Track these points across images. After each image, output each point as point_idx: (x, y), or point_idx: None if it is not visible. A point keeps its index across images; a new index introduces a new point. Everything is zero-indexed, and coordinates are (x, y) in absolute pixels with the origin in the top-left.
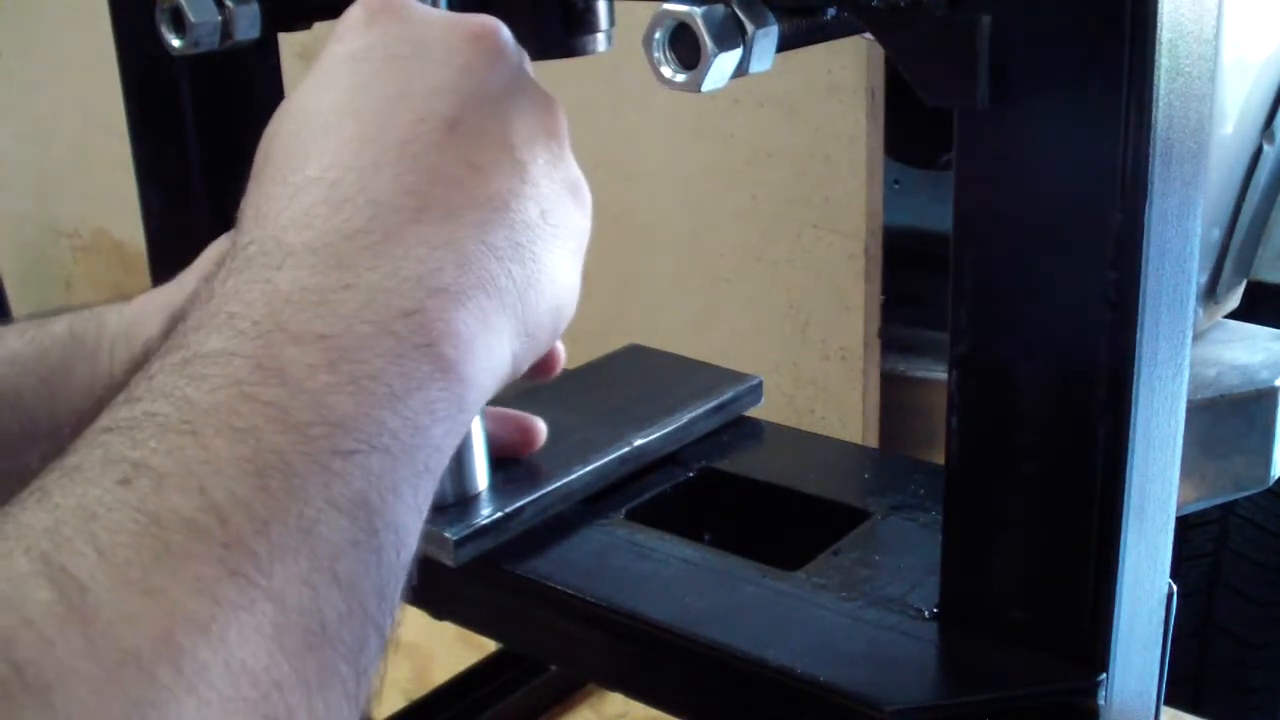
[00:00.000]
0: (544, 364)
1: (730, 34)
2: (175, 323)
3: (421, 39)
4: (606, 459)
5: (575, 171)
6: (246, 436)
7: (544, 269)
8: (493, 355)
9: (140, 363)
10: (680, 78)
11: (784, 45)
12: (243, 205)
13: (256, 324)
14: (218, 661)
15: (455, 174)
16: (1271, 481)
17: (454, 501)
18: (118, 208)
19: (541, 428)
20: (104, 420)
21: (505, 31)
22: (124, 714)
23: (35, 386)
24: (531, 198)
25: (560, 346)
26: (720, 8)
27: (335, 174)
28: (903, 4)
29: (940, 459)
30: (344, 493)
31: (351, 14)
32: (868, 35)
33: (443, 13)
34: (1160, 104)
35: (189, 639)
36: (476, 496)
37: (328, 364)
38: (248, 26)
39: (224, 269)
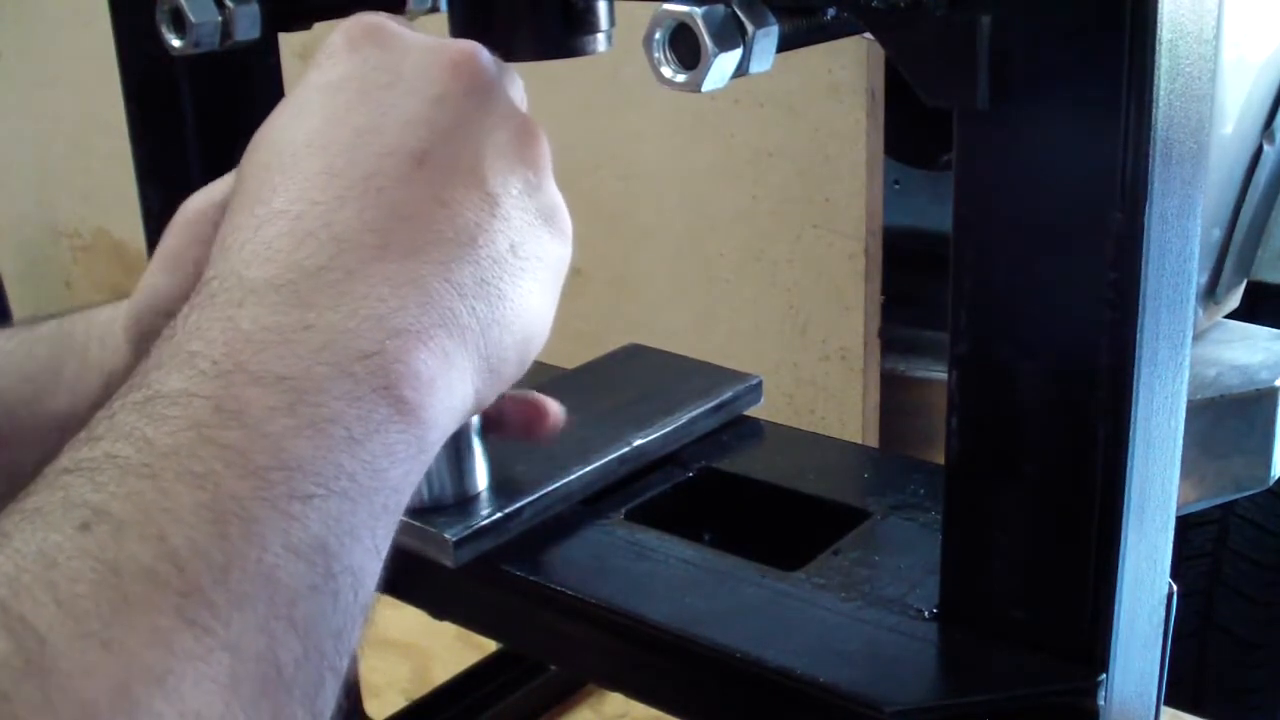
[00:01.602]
0: (532, 424)
1: (730, 34)
2: (140, 339)
3: (398, 68)
4: (606, 459)
5: (553, 199)
6: (205, 482)
7: (510, 304)
8: (454, 394)
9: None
10: (680, 78)
11: (784, 45)
12: (217, 236)
13: (216, 364)
14: (172, 713)
15: (421, 210)
16: (1271, 481)
17: (454, 502)
18: (118, 208)
19: (556, 408)
20: (64, 460)
21: (484, 58)
22: None
23: (17, 385)
24: (501, 231)
25: (555, 407)
26: (720, 8)
27: (300, 207)
28: (903, 4)
29: (940, 459)
30: (302, 537)
31: (333, 40)
32: (868, 35)
33: (424, 39)
34: (1160, 104)
35: (145, 691)
36: (476, 497)
37: (287, 406)
38: (248, 26)
39: (188, 304)
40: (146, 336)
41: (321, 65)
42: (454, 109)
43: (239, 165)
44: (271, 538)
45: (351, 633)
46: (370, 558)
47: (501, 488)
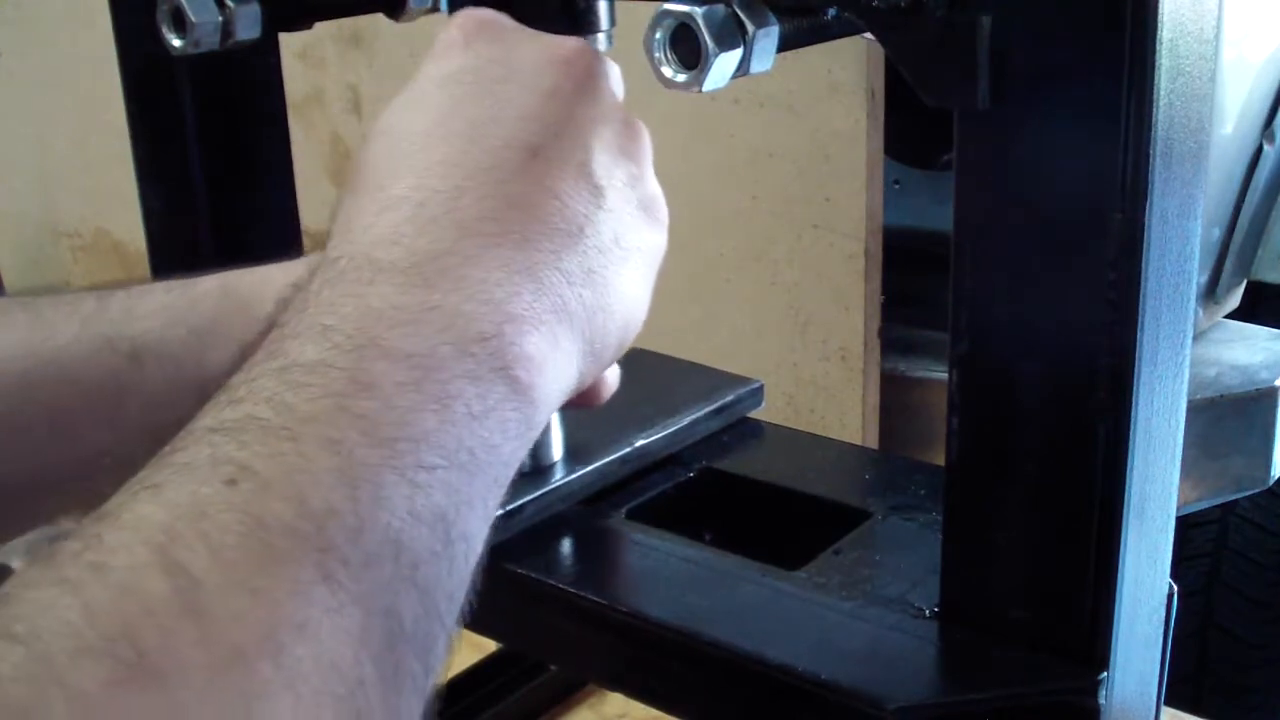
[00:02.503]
0: (592, 393)
1: (731, 34)
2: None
3: (513, 63)
4: (608, 459)
5: (652, 190)
6: (340, 448)
7: (613, 291)
8: (561, 375)
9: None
10: (681, 78)
11: (784, 45)
12: (332, 214)
13: (350, 338)
14: (311, 659)
15: (534, 200)
16: (1271, 481)
17: (530, 470)
18: (118, 208)
19: (615, 375)
20: (208, 420)
21: (596, 55)
22: (231, 706)
23: (184, 337)
24: (606, 222)
25: (611, 375)
26: (720, 8)
27: (422, 195)
28: (903, 4)
29: (940, 459)
30: (425, 505)
31: (449, 34)
32: (868, 35)
33: (536, 36)
34: (1160, 104)
35: (288, 637)
36: None
37: (414, 382)
38: (248, 26)
39: (317, 279)
40: None
41: (438, 58)
42: (564, 104)
43: (358, 154)
44: (399, 504)
45: (462, 593)
46: (482, 524)
47: None
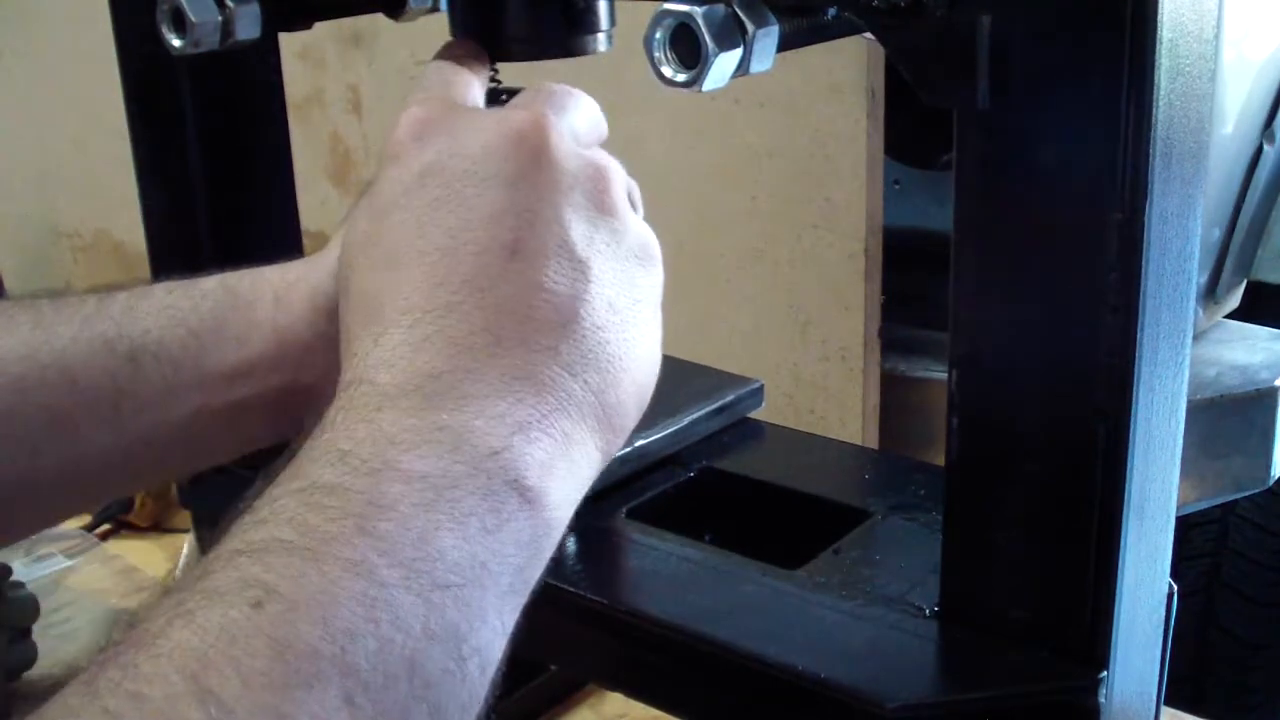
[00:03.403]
0: None
1: (730, 34)
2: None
3: (471, 154)
4: None
5: (637, 235)
6: (361, 569)
7: (618, 362)
8: (576, 467)
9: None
10: (680, 78)
11: (784, 45)
12: (341, 330)
13: (366, 461)
14: None
15: (522, 300)
16: (1271, 481)
17: None
18: (118, 208)
19: None
20: (236, 542)
21: (545, 119)
22: None
23: (183, 338)
24: (598, 295)
25: (638, 205)
26: (720, 8)
27: (411, 317)
28: (903, 4)
29: (940, 459)
30: (440, 623)
31: (401, 130)
32: (868, 35)
33: (485, 115)
34: (1160, 104)
35: None
36: None
37: (428, 503)
38: (248, 26)
39: (334, 405)
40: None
41: (396, 160)
42: (530, 189)
43: (340, 263)
44: (415, 624)
45: (476, 706)
46: (497, 636)
47: None
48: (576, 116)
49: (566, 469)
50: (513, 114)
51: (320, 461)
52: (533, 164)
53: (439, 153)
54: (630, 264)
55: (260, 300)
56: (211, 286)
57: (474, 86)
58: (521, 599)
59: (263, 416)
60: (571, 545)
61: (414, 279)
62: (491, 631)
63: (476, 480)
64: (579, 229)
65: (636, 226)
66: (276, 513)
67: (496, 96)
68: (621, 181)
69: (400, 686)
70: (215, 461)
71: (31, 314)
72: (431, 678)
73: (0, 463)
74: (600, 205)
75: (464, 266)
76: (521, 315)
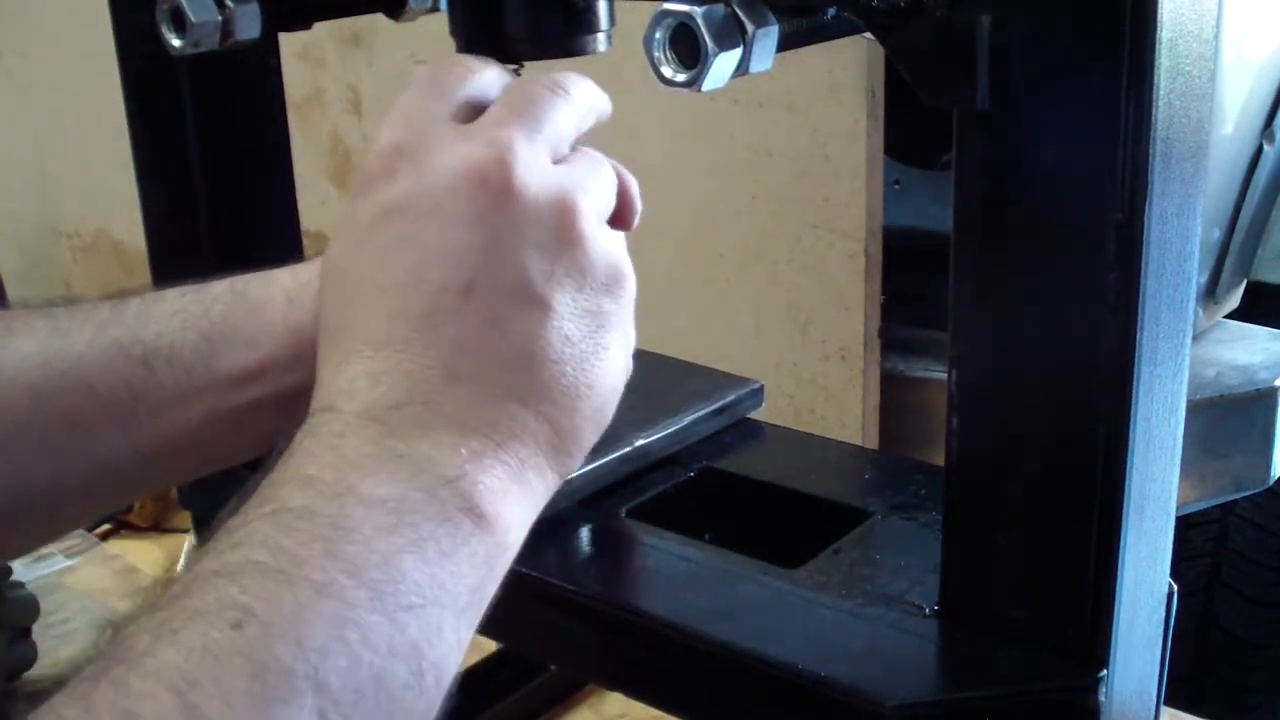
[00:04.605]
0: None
1: (730, 34)
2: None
3: (435, 190)
4: (608, 458)
5: (604, 260)
6: (331, 589)
7: (573, 391)
8: (530, 492)
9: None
10: (680, 77)
11: (784, 45)
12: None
13: (331, 486)
14: None
15: (477, 337)
16: (1271, 481)
17: None
18: (118, 208)
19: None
20: (212, 563)
21: (510, 153)
22: None
23: (195, 342)
24: (554, 330)
25: (635, 200)
26: (720, 7)
27: (372, 349)
28: (903, 4)
29: (940, 459)
30: (403, 641)
31: (372, 160)
32: (868, 35)
33: (454, 149)
34: (1160, 104)
35: None
36: None
37: (390, 527)
38: (248, 26)
39: (302, 429)
40: None
41: (366, 190)
42: (489, 229)
43: (318, 294)
44: (380, 643)
45: (431, 714)
46: (454, 652)
47: None
48: (557, 123)
49: (520, 492)
50: (477, 150)
51: (289, 484)
52: (494, 206)
53: (405, 191)
54: (594, 293)
55: (271, 302)
56: (222, 290)
57: (464, 83)
58: (477, 615)
59: (277, 416)
60: (572, 544)
61: (375, 312)
62: (448, 647)
63: (433, 506)
64: (538, 266)
65: (603, 253)
66: (250, 535)
67: None
68: (591, 205)
69: (368, 702)
70: (230, 462)
71: (48, 321)
72: (394, 692)
73: (21, 470)
74: (564, 239)
75: (421, 303)
76: (475, 351)
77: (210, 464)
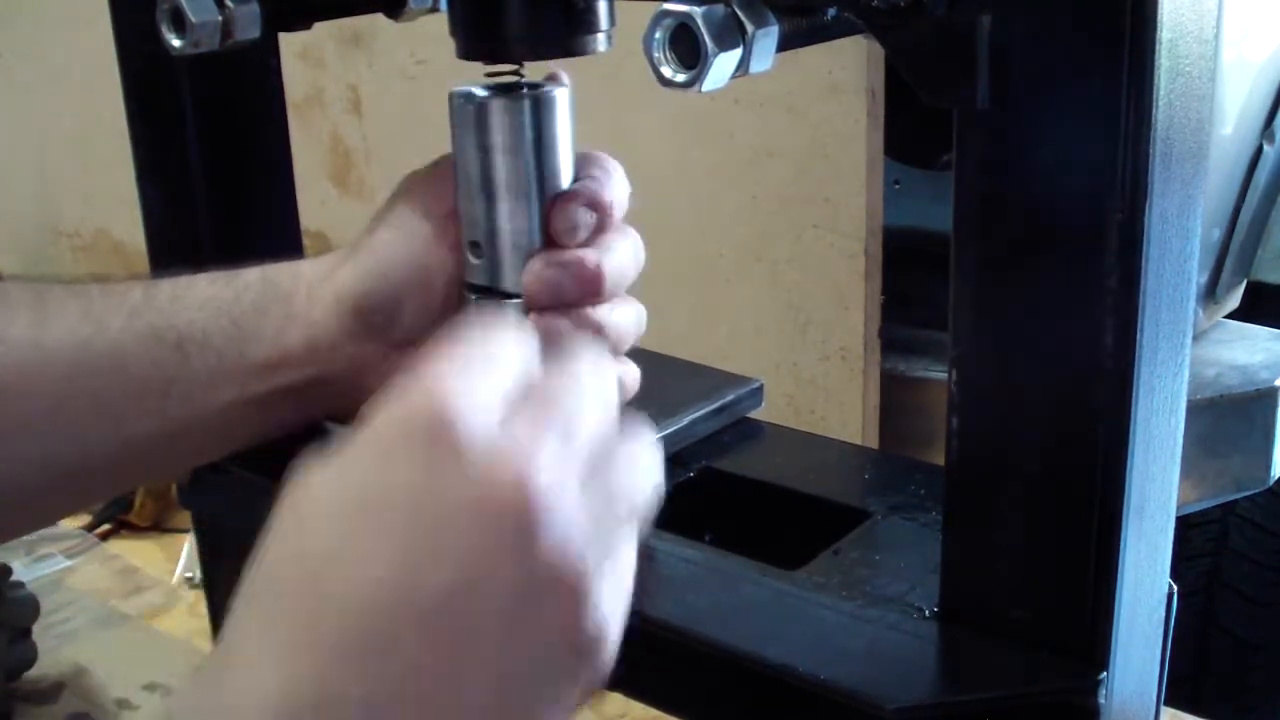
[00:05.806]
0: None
1: (730, 34)
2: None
3: (439, 509)
4: None
5: (591, 657)
6: None
7: None
8: None
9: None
10: (680, 78)
11: (784, 45)
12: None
13: None
14: None
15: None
16: (1271, 481)
17: None
18: (118, 208)
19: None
20: None
21: (531, 505)
22: None
23: (226, 328)
24: None
25: (631, 376)
26: (720, 8)
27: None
28: (903, 4)
29: (940, 459)
30: None
31: (379, 429)
32: (868, 35)
33: (475, 466)
34: (1160, 104)
35: None
36: None
37: None
38: (248, 26)
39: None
40: (368, 296)
41: (364, 449)
42: (490, 599)
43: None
44: None
45: None
46: None
47: None
48: (588, 424)
49: None
50: (502, 481)
51: None
52: (510, 574)
53: (420, 482)
54: (563, 685)
55: (296, 294)
56: (254, 279)
57: (499, 367)
58: None
59: (293, 405)
60: None
61: (339, 625)
62: None
63: None
64: (517, 660)
65: (591, 643)
66: None
67: (516, 89)
68: (594, 599)
69: None
70: (243, 446)
71: (81, 302)
72: None
73: (50, 449)
74: (561, 625)
75: (384, 635)
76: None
77: (224, 448)
